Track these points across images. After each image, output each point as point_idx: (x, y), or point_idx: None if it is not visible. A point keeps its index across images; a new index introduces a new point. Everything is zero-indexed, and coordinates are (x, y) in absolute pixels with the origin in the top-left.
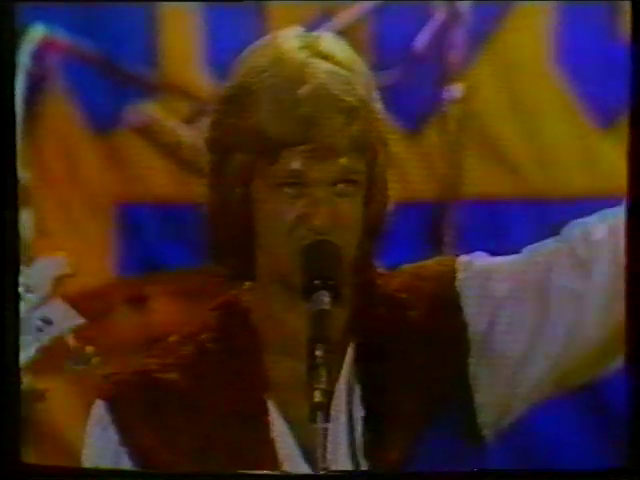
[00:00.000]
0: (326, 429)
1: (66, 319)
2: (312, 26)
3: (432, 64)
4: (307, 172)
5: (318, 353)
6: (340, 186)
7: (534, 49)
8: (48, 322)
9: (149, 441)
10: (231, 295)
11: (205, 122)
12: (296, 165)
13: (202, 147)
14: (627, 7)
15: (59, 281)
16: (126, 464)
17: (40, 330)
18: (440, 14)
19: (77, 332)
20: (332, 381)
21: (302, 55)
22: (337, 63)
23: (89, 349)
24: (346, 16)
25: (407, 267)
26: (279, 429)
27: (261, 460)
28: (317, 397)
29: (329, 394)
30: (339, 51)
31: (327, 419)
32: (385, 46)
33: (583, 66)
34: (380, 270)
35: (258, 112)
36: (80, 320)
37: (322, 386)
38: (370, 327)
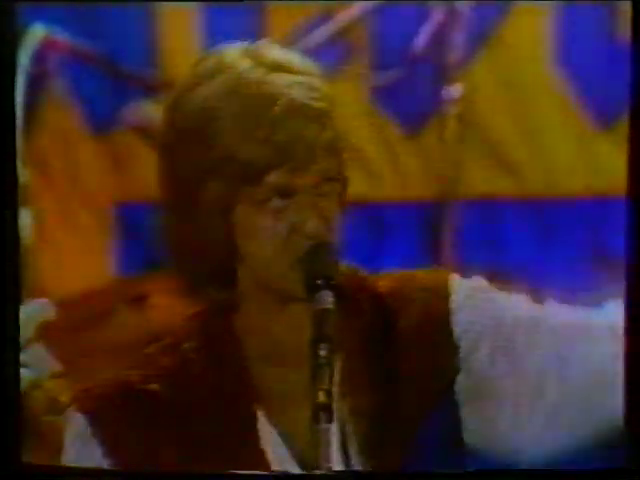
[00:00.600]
0: (329, 429)
1: (45, 365)
2: (311, 26)
3: (431, 64)
4: (291, 184)
5: (322, 353)
6: (323, 187)
7: (533, 49)
8: (26, 367)
9: (132, 454)
10: (211, 304)
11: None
12: (280, 180)
13: (164, 184)
14: (627, 7)
15: (43, 326)
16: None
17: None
18: (439, 14)
19: (54, 379)
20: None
21: (258, 73)
22: (296, 72)
23: (64, 398)
24: (345, 16)
25: (394, 273)
26: (269, 437)
27: (251, 466)
28: (321, 398)
29: (332, 394)
30: (290, 58)
31: (330, 419)
32: (384, 46)
33: (582, 66)
34: (361, 272)
35: (230, 140)
36: (58, 366)
37: (325, 386)
38: (359, 329)
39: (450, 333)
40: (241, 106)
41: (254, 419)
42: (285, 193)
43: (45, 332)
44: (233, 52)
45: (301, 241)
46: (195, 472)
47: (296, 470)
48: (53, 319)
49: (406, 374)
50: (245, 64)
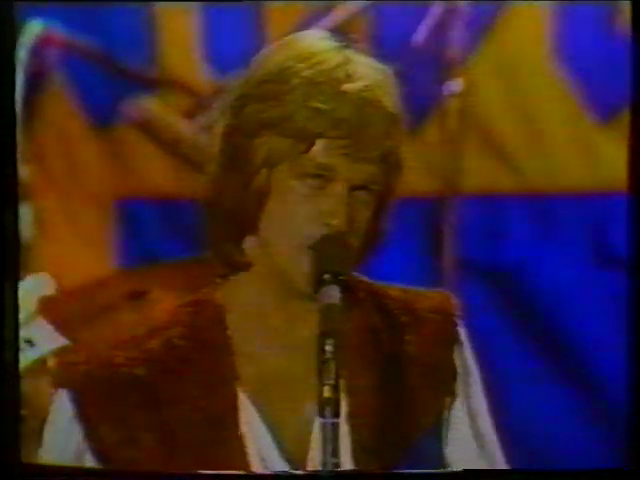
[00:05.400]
0: (334, 424)
1: (49, 341)
2: (310, 22)
3: (431, 59)
4: (336, 168)
5: (328, 348)
6: (359, 192)
7: (534, 44)
8: (30, 343)
9: (113, 437)
10: (202, 292)
11: (223, 110)
12: (327, 159)
13: (218, 136)
14: (626, 4)
15: (44, 301)
16: (89, 461)
17: (21, 351)
18: (439, 9)
19: (58, 354)
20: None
21: (340, 57)
22: (375, 70)
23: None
24: (343, 12)
25: (402, 287)
26: (254, 428)
27: (229, 458)
28: (326, 392)
29: (338, 389)
30: (372, 61)
31: (336, 414)
32: (384, 41)
33: (582, 61)
34: (366, 279)
35: (295, 101)
36: (63, 341)
37: (331, 381)
38: (361, 329)
39: (452, 361)
40: (315, 73)
41: (235, 407)
42: (326, 175)
43: (46, 306)
44: (318, 35)
45: (321, 229)
46: (189, 472)
47: (278, 460)
48: (53, 293)
49: (407, 388)
50: (328, 44)
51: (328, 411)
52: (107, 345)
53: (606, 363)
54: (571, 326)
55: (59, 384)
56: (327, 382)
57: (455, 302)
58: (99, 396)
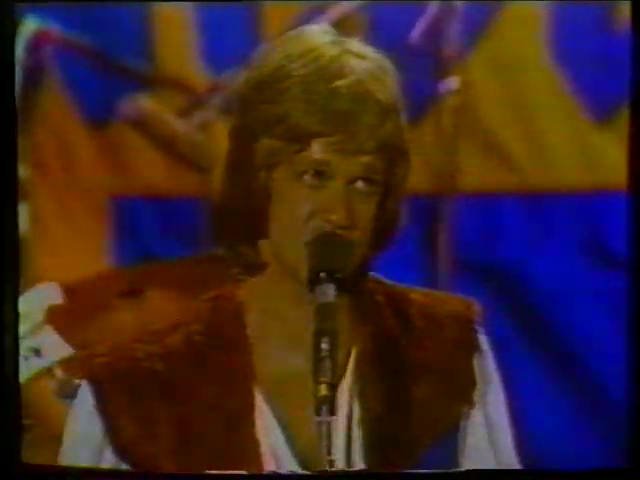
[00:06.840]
0: (330, 423)
1: (55, 350)
2: (306, 20)
3: (428, 57)
4: (331, 164)
5: (324, 346)
6: (359, 183)
7: (531, 42)
8: (37, 352)
9: (131, 432)
10: (225, 289)
11: (223, 111)
12: (322, 156)
13: (225, 137)
14: (626, 4)
15: (52, 310)
16: (108, 456)
17: (27, 360)
18: (435, 7)
19: (65, 363)
20: (338, 375)
21: (335, 50)
22: (371, 61)
23: (78, 381)
24: (341, 9)
25: (423, 290)
26: (267, 425)
27: (244, 456)
28: (322, 391)
29: (334, 387)
30: (369, 52)
31: (332, 412)
32: (380, 39)
33: (579, 59)
34: (381, 279)
35: (289, 101)
36: (69, 350)
37: (327, 379)
38: (375, 331)
39: (471, 369)
40: (310, 72)
41: (252, 405)
42: (323, 172)
43: (54, 316)
44: (318, 29)
45: (320, 225)
46: (195, 473)
47: (292, 459)
48: (61, 303)
49: (424, 394)
50: (325, 39)
51: (324, 410)
52: (128, 338)
53: (606, 363)
54: (570, 326)
55: (81, 376)
56: (323, 380)
57: (477, 309)
58: (119, 389)
